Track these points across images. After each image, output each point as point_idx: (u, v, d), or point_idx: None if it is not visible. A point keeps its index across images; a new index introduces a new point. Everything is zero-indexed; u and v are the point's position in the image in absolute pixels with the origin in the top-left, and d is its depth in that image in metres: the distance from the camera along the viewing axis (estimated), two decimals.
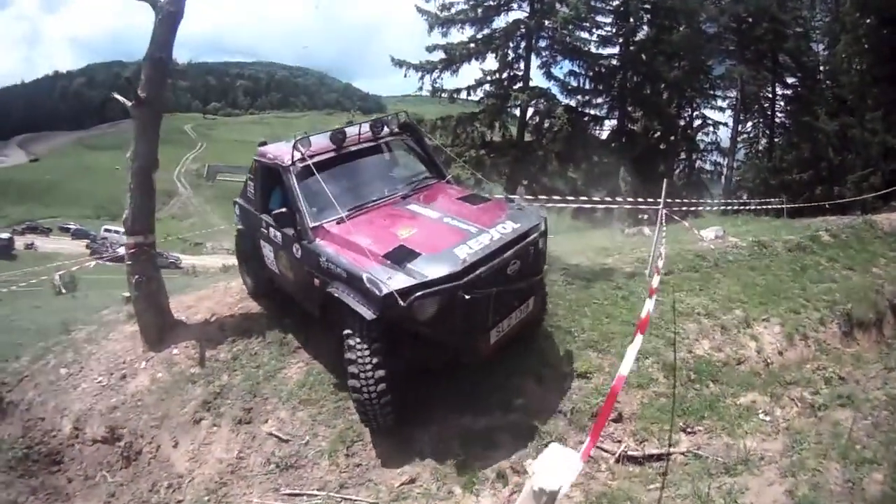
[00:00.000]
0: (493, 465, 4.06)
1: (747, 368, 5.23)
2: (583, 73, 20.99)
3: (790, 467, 3.73)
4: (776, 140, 24.01)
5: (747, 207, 15.53)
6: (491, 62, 19.39)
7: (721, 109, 23.72)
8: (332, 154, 5.29)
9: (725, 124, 23.92)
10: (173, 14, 5.99)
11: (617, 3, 20.94)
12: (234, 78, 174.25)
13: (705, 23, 22.68)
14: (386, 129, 5.80)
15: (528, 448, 4.18)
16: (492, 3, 18.81)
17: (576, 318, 5.65)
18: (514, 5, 19.00)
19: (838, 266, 7.64)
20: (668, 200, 7.24)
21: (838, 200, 14.85)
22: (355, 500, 4.06)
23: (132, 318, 6.87)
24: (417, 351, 4.25)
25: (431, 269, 3.96)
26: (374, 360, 4.04)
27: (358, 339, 4.09)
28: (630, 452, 4.14)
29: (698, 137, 23.79)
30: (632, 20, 20.88)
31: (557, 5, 18.39)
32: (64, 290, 14.44)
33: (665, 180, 7.48)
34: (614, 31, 21.27)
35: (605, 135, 22.28)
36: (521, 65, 19.51)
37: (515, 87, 19.33)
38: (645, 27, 21.72)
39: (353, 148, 5.46)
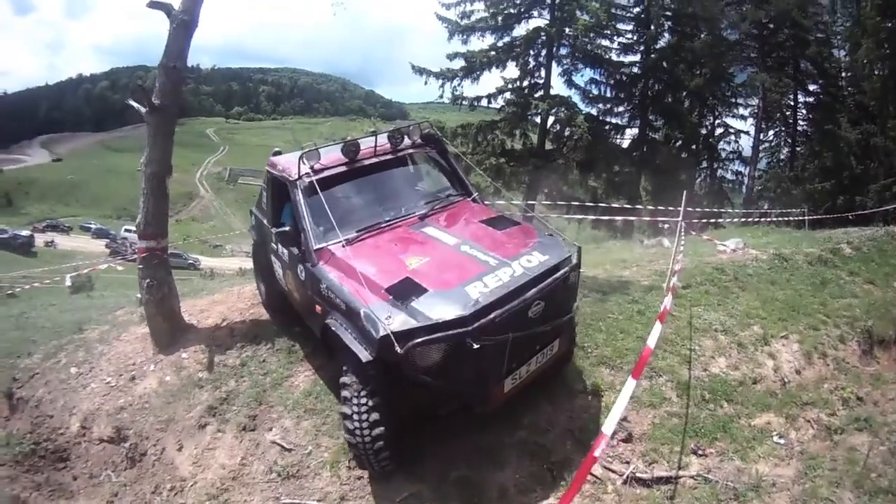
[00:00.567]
0: (497, 482, 3.97)
1: (763, 388, 5.08)
2: (604, 80, 20.98)
3: (802, 495, 3.63)
4: (798, 149, 23.68)
5: (768, 218, 15.30)
6: (512, 70, 19.36)
7: (743, 118, 23.60)
8: (343, 168, 4.85)
9: (747, 133, 23.72)
10: (187, 23, 5.99)
11: (638, 10, 20.90)
12: (256, 83, 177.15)
13: (726, 29, 22.51)
14: (407, 140, 5.27)
15: (534, 467, 4.07)
16: (512, 10, 18.79)
17: (590, 332, 5.51)
18: (535, 13, 18.98)
19: (859, 280, 7.49)
20: (690, 209, 7.12)
21: (861, 211, 14.59)
22: None
23: (144, 320, 6.88)
24: (419, 397, 3.79)
25: (437, 309, 3.48)
26: (370, 404, 3.66)
27: (354, 378, 3.73)
28: (638, 474, 4.01)
29: (720, 146, 23.53)
30: (653, 27, 20.83)
31: (578, 13, 18.28)
32: (75, 292, 14.58)
33: (685, 191, 7.38)
34: (635, 38, 21.25)
35: (626, 144, 22.19)
36: (542, 73, 19.43)
37: (536, 95, 19.24)
38: (666, 34, 21.64)
39: (368, 161, 4.99)
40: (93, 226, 59.22)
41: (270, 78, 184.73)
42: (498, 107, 19.88)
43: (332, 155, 4.88)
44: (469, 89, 19.65)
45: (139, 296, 7.91)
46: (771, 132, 24.57)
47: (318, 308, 4.31)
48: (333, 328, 3.90)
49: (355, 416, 3.69)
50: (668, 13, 21.35)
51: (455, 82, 19.23)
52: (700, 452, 4.23)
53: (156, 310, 6.33)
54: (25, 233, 48.26)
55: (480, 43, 19.16)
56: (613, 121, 21.93)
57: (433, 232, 4.44)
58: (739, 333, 5.74)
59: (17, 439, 5.72)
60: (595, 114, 21.20)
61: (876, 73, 19.48)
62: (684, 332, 5.63)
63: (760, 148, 24.08)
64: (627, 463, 4.15)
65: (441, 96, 19.67)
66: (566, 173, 19.72)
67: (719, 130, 23.66)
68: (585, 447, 4.19)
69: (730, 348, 5.51)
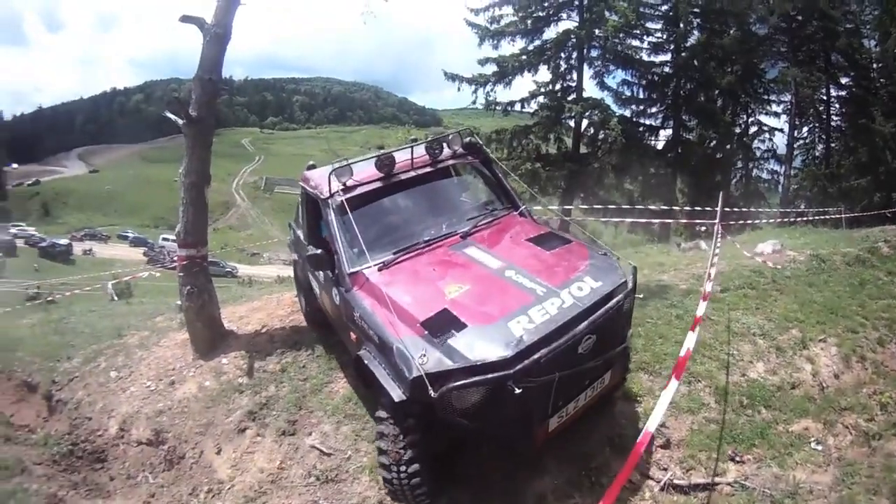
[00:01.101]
0: (535, 489, 3.95)
1: (801, 393, 4.95)
2: (636, 81, 20.98)
3: (839, 503, 3.54)
4: (833, 145, 23.07)
5: (805, 218, 14.97)
6: (544, 74, 19.49)
7: (776, 115, 23.13)
8: (378, 184, 4.54)
9: (781, 130, 23.21)
10: (220, 36, 6.09)
11: (666, 8, 20.68)
12: (290, 93, 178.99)
13: (755, 24, 22.08)
14: (447, 151, 4.91)
15: (572, 473, 4.04)
16: (541, 13, 18.87)
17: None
18: (563, 15, 19.04)
19: None
20: (726, 209, 7.02)
21: None
22: None
23: (184, 326, 7.02)
24: (455, 437, 3.58)
25: (477, 349, 3.17)
26: (406, 442, 3.46)
27: (385, 414, 3.55)
28: (676, 481, 3.95)
29: (754, 145, 23.09)
30: (682, 25, 20.54)
31: (607, 13, 18.23)
32: (116, 298, 14.94)
33: (721, 193, 7.27)
34: (665, 37, 21.02)
35: (660, 145, 22.00)
36: (574, 75, 19.53)
37: (569, 98, 19.33)
38: (695, 32, 21.33)
39: (404, 175, 4.65)
40: (130, 234, 60.31)
41: (303, 87, 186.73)
42: (531, 111, 19.95)
43: (365, 170, 4.59)
44: (502, 94, 19.78)
45: (179, 303, 8.08)
46: (805, 129, 24.02)
47: (352, 336, 4.12)
48: (366, 361, 3.67)
49: (391, 453, 3.51)
50: (696, 10, 21.06)
51: (488, 87, 19.43)
52: (738, 459, 4.15)
53: (196, 316, 6.45)
54: (64, 241, 49.15)
55: (511, 47, 19.36)
56: (647, 122, 21.84)
57: (475, 253, 4.09)
58: (778, 337, 5.61)
59: (56, 440, 5.85)
60: (628, 115, 21.14)
61: None
62: (723, 336, 5.53)
63: (795, 145, 23.54)
64: (665, 469, 4.09)
65: (474, 102, 19.84)
66: (601, 177, 19.69)
67: (753, 129, 23.26)
68: (624, 453, 4.10)
69: (768, 353, 5.40)
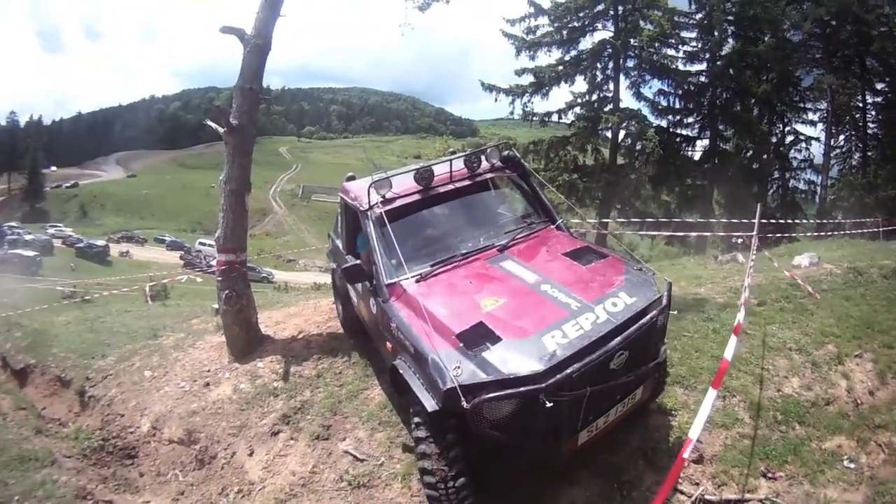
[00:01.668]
0: (567, 500, 3.93)
1: (836, 409, 4.83)
2: (672, 91, 20.78)
3: None
4: (869, 153, 22.43)
5: (842, 231, 14.63)
6: (580, 84, 19.41)
7: (812, 123, 22.53)
8: (416, 196, 4.61)
9: (817, 139, 22.66)
10: (261, 46, 6.22)
11: (700, 16, 20.45)
12: (327, 103, 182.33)
13: (789, 31, 21.66)
14: (485, 164, 4.92)
15: (604, 485, 4.02)
16: (576, 24, 18.82)
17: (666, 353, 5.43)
18: (599, 25, 18.98)
19: None
20: (762, 221, 6.92)
21: None
22: None
23: (220, 329, 7.13)
24: (487, 448, 3.59)
25: (511, 362, 3.20)
26: (451, 457, 3.47)
27: (427, 429, 3.55)
28: (707, 497, 3.89)
29: (791, 154, 22.59)
30: (716, 33, 20.27)
31: (641, 23, 18.08)
32: (150, 302, 15.26)
33: (759, 204, 7.18)
34: (700, 45, 20.76)
35: (697, 156, 21.72)
36: (611, 86, 19.43)
37: (606, 108, 19.18)
38: (730, 40, 21.06)
39: (443, 188, 4.69)
40: (167, 238, 61.19)
41: (340, 97, 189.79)
42: (568, 122, 19.87)
43: (404, 182, 4.64)
44: (539, 105, 19.73)
45: (215, 306, 8.23)
46: (841, 137, 23.42)
47: (388, 346, 4.18)
48: (401, 371, 3.70)
49: (437, 472, 3.48)
50: (731, 17, 20.77)
51: (525, 98, 19.43)
52: (770, 475, 4.08)
53: (233, 320, 6.55)
54: (101, 243, 50.18)
55: (547, 58, 19.37)
56: (683, 132, 21.59)
57: (512, 267, 4.11)
58: (813, 352, 5.51)
59: (87, 434, 5.97)
60: (665, 126, 20.94)
61: None
62: (758, 350, 5.45)
63: (832, 154, 22.95)
64: (697, 484, 4.04)
65: (511, 112, 19.86)
66: (638, 188, 19.51)
67: (789, 138, 22.75)
68: (657, 467, 4.12)
69: (803, 368, 5.30)
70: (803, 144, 22.62)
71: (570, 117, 19.87)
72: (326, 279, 7.57)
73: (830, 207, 22.17)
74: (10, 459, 5.03)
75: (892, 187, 19.69)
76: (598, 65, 19.10)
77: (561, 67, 19.02)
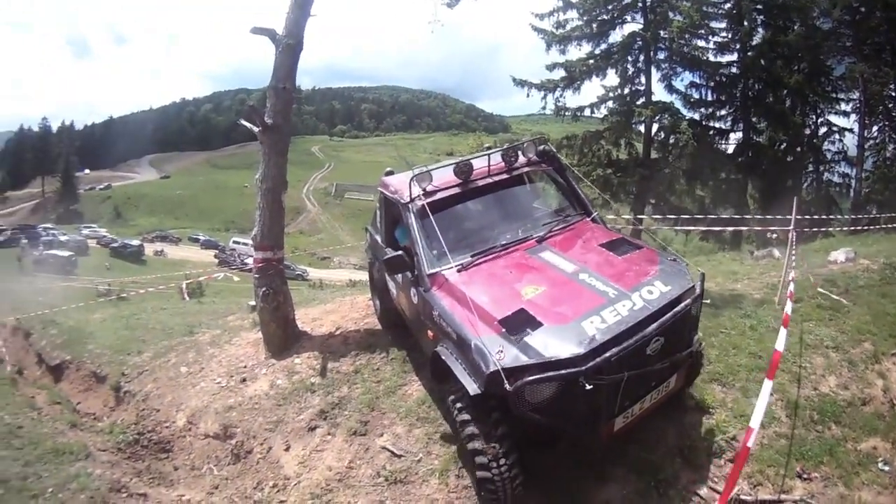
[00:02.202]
0: (602, 498, 3.93)
1: (872, 410, 4.75)
2: (704, 83, 20.27)
3: None
4: None
5: (878, 225, 14.23)
6: (612, 78, 19.09)
7: (845, 114, 21.71)
8: (456, 189, 4.73)
9: (851, 130, 21.96)
10: (292, 46, 6.29)
11: (728, 5, 19.98)
12: (358, 101, 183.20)
13: (818, 18, 21.02)
14: (521, 158, 5.04)
15: (640, 483, 4.00)
16: (605, 17, 18.54)
17: (703, 348, 5.34)
18: (628, 18, 18.66)
19: None
20: (798, 217, 6.82)
21: None
22: None
23: (256, 326, 7.21)
24: (528, 434, 3.69)
25: (552, 346, 3.29)
26: (499, 434, 3.54)
27: (468, 416, 3.64)
28: (743, 497, 3.85)
29: (824, 147, 21.95)
30: (745, 23, 19.80)
31: (670, 14, 17.79)
32: (187, 298, 15.55)
33: (795, 198, 7.06)
34: (730, 36, 20.26)
35: (730, 149, 21.14)
36: (642, 79, 19.09)
37: (638, 102, 18.85)
38: (760, 29, 20.52)
39: (481, 182, 4.82)
40: (201, 237, 61.68)
41: (371, 96, 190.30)
42: (601, 116, 19.56)
43: (444, 176, 4.78)
44: (571, 99, 19.70)
45: (252, 303, 8.36)
46: (875, 128, 22.68)
47: (429, 334, 4.26)
48: (443, 357, 3.79)
49: (488, 451, 3.53)
50: (759, 6, 20.28)
51: (557, 93, 19.13)
52: (805, 476, 4.03)
53: (270, 317, 6.63)
54: (136, 242, 50.70)
55: (578, 52, 19.05)
56: (716, 125, 21.04)
57: (550, 257, 4.22)
58: (850, 351, 5.41)
59: (121, 428, 6.11)
60: (698, 119, 20.47)
61: None
62: (795, 348, 5.36)
63: (866, 146, 22.24)
64: None
65: (544, 108, 19.59)
66: (672, 182, 19.08)
67: (822, 130, 22.05)
68: (693, 465, 4.11)
69: (840, 366, 5.20)
70: (837, 136, 21.96)
71: (603, 111, 19.57)
72: (361, 276, 7.64)
73: (865, 201, 21.48)
74: (45, 452, 5.15)
75: None
76: (629, 58, 18.78)
77: (592, 61, 18.77)
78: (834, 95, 21.62)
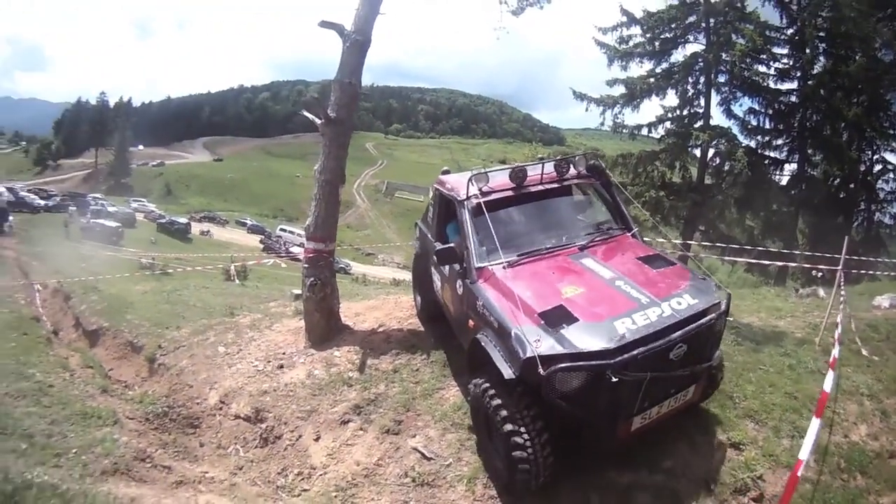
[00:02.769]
0: None
1: None
2: (762, 110, 19.63)
3: None
4: None
5: None
6: (671, 98, 18.69)
7: None
8: (510, 193, 5.05)
9: None
10: (360, 42, 6.36)
11: (791, 31, 19.42)
12: (415, 102, 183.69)
13: (880, 50, 20.25)
14: (572, 170, 5.38)
15: None
16: (668, 35, 18.14)
17: (739, 383, 5.32)
18: (690, 37, 18.21)
19: None
20: (847, 257, 6.70)
21: None
22: None
23: (298, 314, 7.31)
24: (553, 419, 3.88)
25: (584, 340, 3.60)
26: (534, 412, 3.79)
27: (502, 400, 3.87)
28: None
29: (878, 185, 21.15)
30: (808, 51, 19.22)
31: (733, 36, 17.34)
32: (236, 280, 15.72)
33: (847, 237, 6.93)
34: (791, 63, 19.68)
35: (784, 180, 20.48)
36: (701, 101, 18.55)
37: (696, 125, 18.39)
38: (821, 58, 19.88)
39: (533, 188, 5.16)
40: (248, 222, 62.98)
41: (428, 97, 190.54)
42: (657, 136, 19.18)
43: (499, 179, 5.10)
44: (629, 117, 18.96)
45: (296, 291, 8.49)
46: None
47: (470, 323, 4.58)
48: (483, 343, 4.11)
49: (521, 429, 3.77)
50: (822, 33, 19.67)
51: (616, 109, 18.72)
52: None
53: (315, 307, 6.71)
54: (183, 220, 52.01)
55: (639, 69, 18.67)
56: (772, 154, 20.40)
57: (590, 264, 4.52)
58: (885, 400, 5.31)
59: (152, 399, 6.28)
60: (754, 146, 19.85)
61: None
62: (831, 392, 5.29)
63: None
64: None
65: (602, 123, 19.20)
66: (723, 211, 18.64)
67: (877, 167, 21.26)
68: (717, 499, 4.12)
69: (872, 415, 5.11)
70: (891, 175, 21.15)
71: (661, 132, 19.12)
72: (404, 276, 7.71)
73: None
74: (73, 414, 5.30)
75: None
76: (690, 79, 18.34)
77: (652, 79, 18.35)
78: (892, 132, 20.81)
